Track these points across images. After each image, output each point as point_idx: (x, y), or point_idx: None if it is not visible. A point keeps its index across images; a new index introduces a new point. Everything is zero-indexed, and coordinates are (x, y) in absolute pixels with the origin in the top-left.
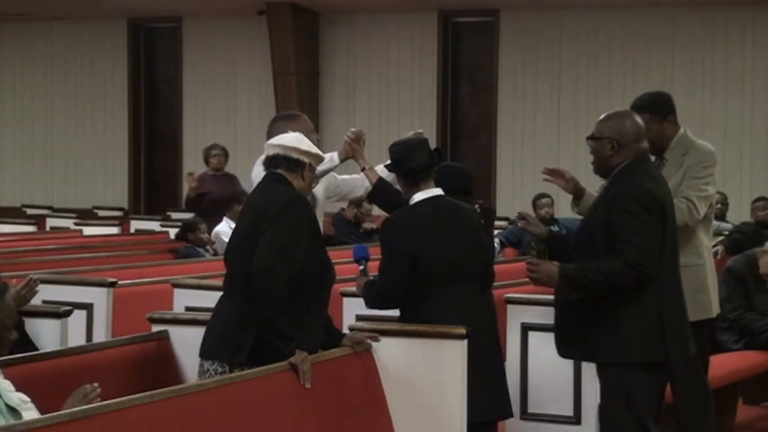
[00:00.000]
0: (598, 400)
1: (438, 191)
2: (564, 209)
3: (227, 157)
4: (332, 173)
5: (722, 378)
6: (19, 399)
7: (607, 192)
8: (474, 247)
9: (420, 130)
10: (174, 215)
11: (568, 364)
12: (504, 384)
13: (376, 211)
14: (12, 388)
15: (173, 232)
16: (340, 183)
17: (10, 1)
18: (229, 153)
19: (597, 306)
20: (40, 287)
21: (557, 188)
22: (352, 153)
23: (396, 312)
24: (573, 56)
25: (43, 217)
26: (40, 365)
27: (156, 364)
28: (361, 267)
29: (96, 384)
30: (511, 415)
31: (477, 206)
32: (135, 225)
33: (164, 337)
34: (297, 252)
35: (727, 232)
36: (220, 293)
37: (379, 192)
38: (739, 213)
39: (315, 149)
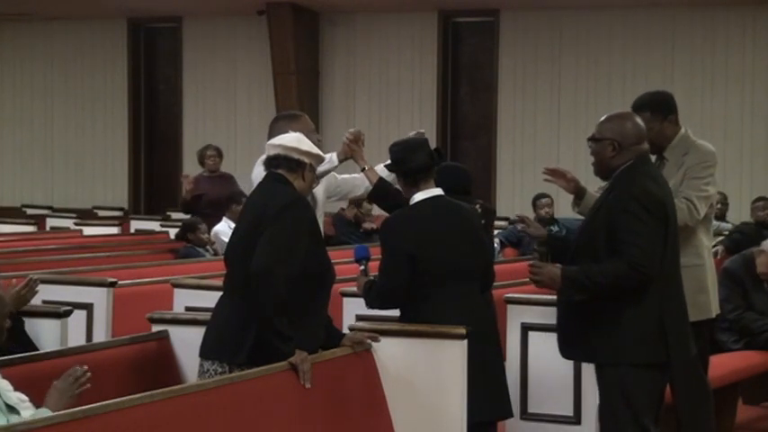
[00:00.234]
0: (598, 401)
1: (438, 191)
2: (564, 209)
3: (222, 158)
4: (332, 172)
5: (722, 378)
6: (17, 398)
7: (608, 193)
8: (474, 248)
9: (422, 130)
10: (174, 215)
11: (568, 364)
12: (504, 384)
13: (376, 210)
14: (10, 387)
15: (173, 232)
16: (340, 182)
17: (10, 1)
18: (228, 153)
19: (599, 307)
20: (40, 287)
21: (556, 188)
22: (351, 154)
23: (396, 312)
24: (573, 56)
25: (43, 217)
26: (40, 365)
27: (156, 364)
28: (362, 267)
29: (86, 367)
30: (511, 415)
31: (477, 206)
32: (135, 225)
33: (164, 337)
34: (296, 252)
35: (727, 232)
36: (220, 293)
37: (380, 192)
38: (739, 213)
39: (315, 150)
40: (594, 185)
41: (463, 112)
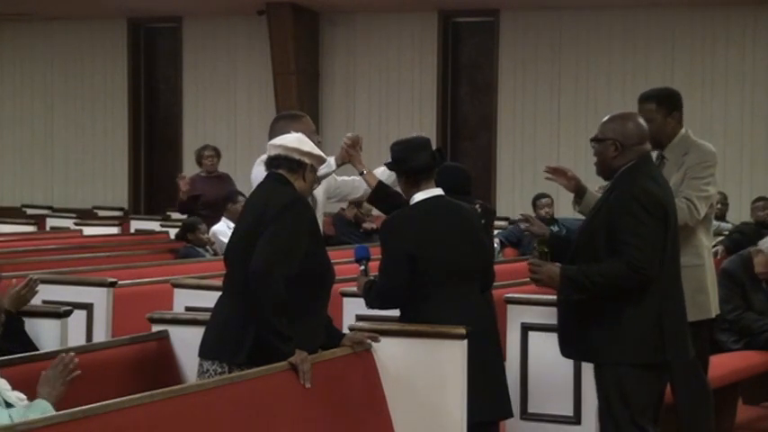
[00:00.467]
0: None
1: (438, 191)
2: (564, 209)
3: (220, 158)
4: (332, 174)
5: (722, 378)
6: (16, 397)
7: (609, 193)
8: (474, 248)
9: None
10: (174, 215)
11: (568, 364)
12: (504, 384)
13: (376, 211)
14: (8, 387)
15: (173, 232)
16: (340, 184)
17: (10, 1)
18: (228, 153)
19: (598, 307)
20: (40, 287)
21: (557, 188)
22: (349, 158)
23: (396, 312)
24: (573, 56)
25: (43, 217)
26: (40, 365)
27: (156, 364)
28: (362, 267)
29: (73, 354)
30: (511, 415)
31: (477, 206)
32: (135, 225)
33: (164, 337)
34: (296, 252)
35: (727, 232)
36: (220, 293)
37: (380, 194)
38: (739, 213)
39: (316, 151)
40: (594, 185)
41: (463, 112)
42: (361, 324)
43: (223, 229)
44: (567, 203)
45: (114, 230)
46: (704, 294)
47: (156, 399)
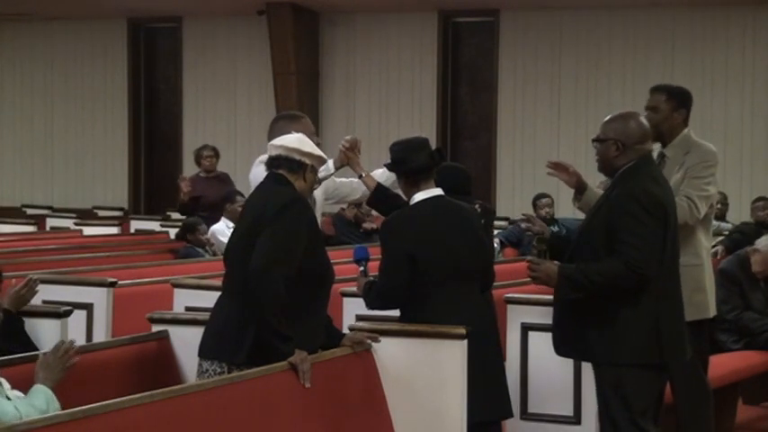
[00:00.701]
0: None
1: (438, 191)
2: (564, 209)
3: (219, 158)
4: None
5: (722, 378)
6: (15, 396)
7: (609, 193)
8: (474, 248)
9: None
10: (174, 215)
11: (568, 364)
12: (504, 384)
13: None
14: (8, 386)
15: (173, 232)
16: (338, 185)
17: (10, 1)
18: (228, 153)
19: (595, 306)
20: (40, 287)
21: (557, 188)
22: (348, 161)
23: (396, 312)
24: (573, 56)
25: (43, 217)
26: None
27: (156, 364)
28: (362, 268)
29: (73, 340)
30: (511, 415)
31: (477, 206)
32: (135, 225)
33: (164, 337)
34: (295, 252)
35: (727, 232)
36: (220, 293)
37: (379, 196)
38: (739, 213)
39: (317, 151)
40: (594, 183)
41: (463, 112)
42: (361, 324)
43: (222, 229)
44: (567, 203)
45: (114, 230)
46: (702, 294)
47: (156, 399)
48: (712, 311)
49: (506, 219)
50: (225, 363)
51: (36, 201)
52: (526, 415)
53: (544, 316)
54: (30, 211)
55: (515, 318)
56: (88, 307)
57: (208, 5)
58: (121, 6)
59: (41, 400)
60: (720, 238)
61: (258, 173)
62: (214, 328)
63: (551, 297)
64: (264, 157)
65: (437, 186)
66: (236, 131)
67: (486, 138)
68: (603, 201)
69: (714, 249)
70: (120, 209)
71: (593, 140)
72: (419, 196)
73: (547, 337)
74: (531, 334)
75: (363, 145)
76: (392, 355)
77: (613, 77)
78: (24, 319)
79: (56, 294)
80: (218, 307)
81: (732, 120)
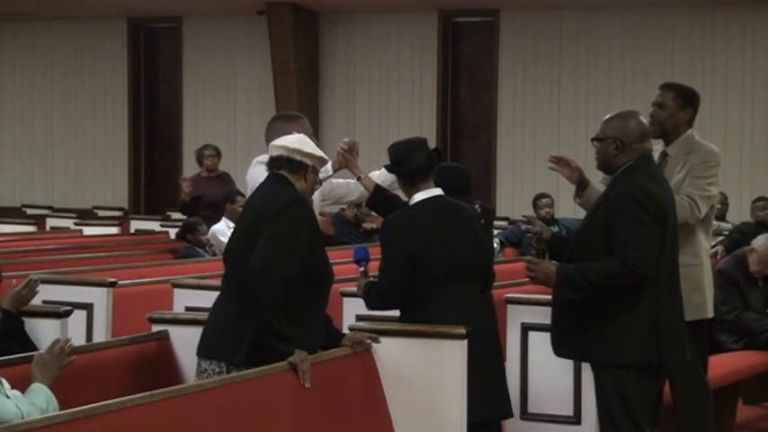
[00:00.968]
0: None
1: (438, 191)
2: (564, 209)
3: (221, 158)
4: None
5: (722, 378)
6: (14, 395)
7: (608, 192)
8: (474, 248)
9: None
10: (174, 215)
11: (568, 364)
12: (504, 384)
13: None
14: (8, 386)
15: (173, 232)
16: (335, 186)
17: (10, 1)
18: (228, 153)
19: (593, 307)
20: (40, 287)
21: (557, 188)
22: (346, 164)
23: (396, 312)
24: (573, 56)
25: (43, 217)
26: None
27: (156, 364)
28: (362, 269)
29: (69, 338)
30: (511, 415)
31: (477, 206)
32: (135, 225)
33: (164, 337)
34: (295, 252)
35: (727, 232)
36: (219, 293)
37: (378, 198)
38: (739, 213)
39: (318, 152)
40: (595, 180)
41: (463, 112)
42: (361, 324)
43: (223, 229)
44: (567, 204)
45: (114, 230)
46: (701, 294)
47: (156, 399)
48: (710, 312)
49: (506, 219)
50: (224, 362)
51: (36, 201)
52: (526, 415)
53: (544, 316)
54: (30, 211)
55: (515, 318)
56: (88, 307)
57: (208, 5)
58: (121, 6)
59: (41, 399)
60: (720, 238)
61: (255, 173)
62: (213, 328)
63: (551, 297)
64: (262, 157)
65: (437, 186)
66: (236, 131)
67: (486, 138)
68: (602, 200)
69: (714, 249)
70: (120, 209)
71: (593, 139)
72: (419, 196)
73: (547, 337)
74: (531, 334)
75: (363, 145)
76: (392, 355)
77: (613, 77)
78: (24, 319)
79: (56, 294)
80: (217, 306)
81: (732, 120)
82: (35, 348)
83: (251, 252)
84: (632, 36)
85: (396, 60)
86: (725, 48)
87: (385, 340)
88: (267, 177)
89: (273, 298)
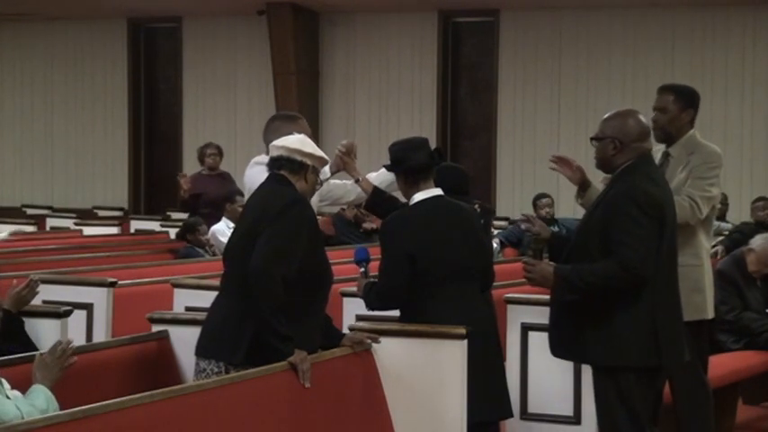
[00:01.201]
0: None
1: (438, 191)
2: (564, 209)
3: (222, 156)
4: None
5: (722, 378)
6: (14, 396)
7: (607, 192)
8: (474, 248)
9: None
10: (174, 215)
11: (568, 365)
12: (504, 384)
13: None
14: (8, 386)
15: (173, 232)
16: (332, 187)
17: (10, 1)
18: (228, 153)
19: (591, 308)
20: (41, 287)
21: (557, 188)
22: (344, 166)
23: (396, 312)
24: (573, 56)
25: (43, 217)
26: None
27: (156, 364)
28: (362, 269)
29: (70, 339)
30: (511, 415)
31: (476, 206)
32: (135, 225)
33: (164, 337)
34: (294, 252)
35: (727, 232)
36: (218, 293)
37: (376, 200)
38: (739, 213)
39: (319, 152)
40: (596, 180)
41: (463, 112)
42: (361, 324)
43: (222, 229)
44: (567, 204)
45: (114, 230)
46: (700, 294)
47: (156, 399)
48: (710, 313)
49: (506, 219)
50: (222, 362)
51: (36, 201)
52: (526, 415)
53: (544, 316)
54: (30, 211)
55: (515, 318)
56: (88, 307)
57: (208, 5)
58: (121, 6)
59: (42, 400)
60: (720, 238)
61: (253, 174)
62: (212, 328)
63: (550, 297)
64: (260, 158)
65: (436, 186)
66: (236, 131)
67: (486, 138)
68: (601, 200)
69: (714, 249)
70: (120, 209)
71: (592, 139)
72: (419, 196)
73: (547, 337)
74: (531, 334)
75: (363, 145)
76: (392, 355)
77: (613, 77)
78: (24, 319)
79: (56, 294)
80: (216, 306)
81: (732, 120)
82: (35, 348)
83: (251, 252)
84: (632, 36)
85: (396, 60)
86: (725, 48)
87: (385, 340)
88: (267, 177)
89: (273, 298)
